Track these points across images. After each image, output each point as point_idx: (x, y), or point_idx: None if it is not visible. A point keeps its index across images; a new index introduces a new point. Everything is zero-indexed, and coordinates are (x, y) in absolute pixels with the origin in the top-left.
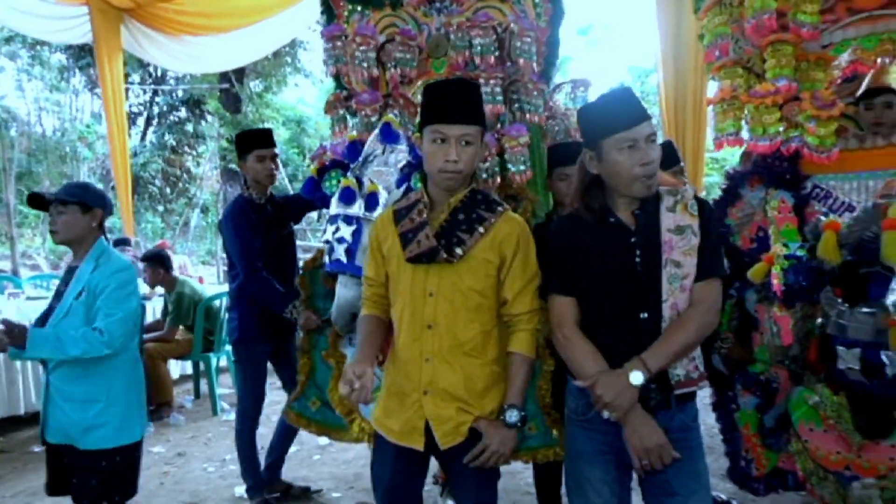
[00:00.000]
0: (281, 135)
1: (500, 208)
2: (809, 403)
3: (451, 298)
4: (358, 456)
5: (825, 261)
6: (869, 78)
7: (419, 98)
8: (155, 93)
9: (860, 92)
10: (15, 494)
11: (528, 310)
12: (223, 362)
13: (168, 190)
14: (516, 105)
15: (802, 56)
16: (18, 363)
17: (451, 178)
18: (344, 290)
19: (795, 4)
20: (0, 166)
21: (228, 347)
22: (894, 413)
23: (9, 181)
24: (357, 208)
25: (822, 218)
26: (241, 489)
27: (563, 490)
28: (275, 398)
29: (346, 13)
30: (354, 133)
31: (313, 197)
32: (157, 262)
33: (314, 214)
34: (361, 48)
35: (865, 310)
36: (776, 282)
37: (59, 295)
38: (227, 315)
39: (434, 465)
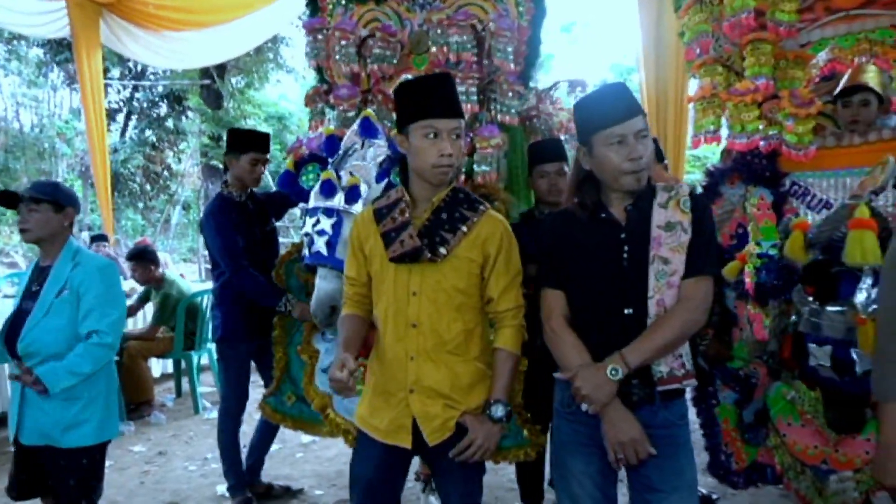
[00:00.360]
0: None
1: (482, 207)
2: (787, 399)
3: (435, 297)
4: (340, 453)
5: (793, 260)
6: (846, 76)
7: None
8: (135, 88)
9: (837, 90)
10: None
11: (514, 306)
12: (205, 360)
13: (148, 187)
14: (493, 105)
15: (781, 54)
16: None
17: (446, 171)
18: (324, 282)
19: (774, 3)
20: None
21: (211, 345)
22: (865, 409)
23: None
24: (337, 201)
25: (793, 217)
26: (222, 488)
27: (546, 485)
28: (258, 396)
29: (330, 6)
30: (332, 127)
31: (290, 190)
32: (147, 260)
33: (297, 212)
34: (341, 43)
35: (836, 308)
36: (748, 280)
37: (31, 295)
38: (210, 313)
39: (415, 462)
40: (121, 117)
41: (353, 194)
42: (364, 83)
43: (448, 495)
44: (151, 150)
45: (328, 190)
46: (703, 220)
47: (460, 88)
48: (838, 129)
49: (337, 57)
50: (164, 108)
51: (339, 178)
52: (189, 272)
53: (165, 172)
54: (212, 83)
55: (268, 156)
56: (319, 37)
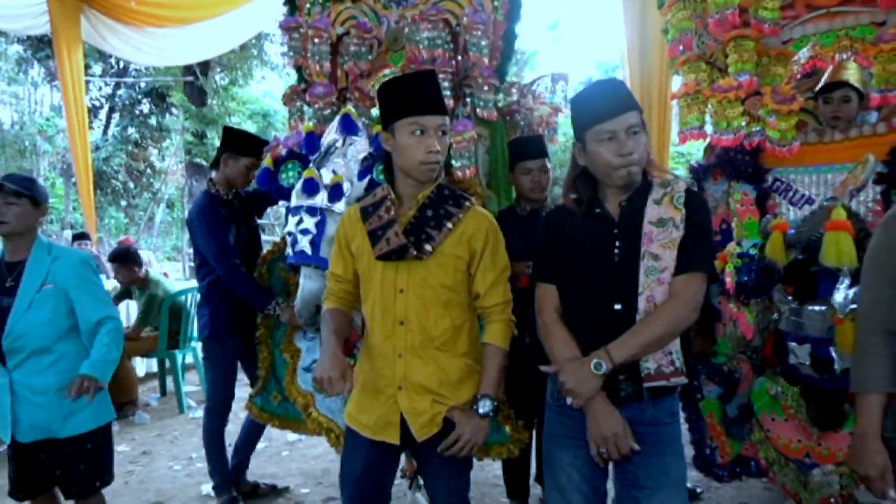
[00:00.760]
0: (247, 128)
1: (466, 203)
2: (771, 394)
3: (422, 294)
4: (326, 451)
5: (773, 261)
6: (827, 73)
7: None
8: (117, 85)
9: (818, 87)
10: None
11: (501, 301)
12: (189, 359)
13: (132, 185)
14: (470, 100)
15: (763, 51)
16: None
17: (433, 168)
18: (308, 281)
19: (757, 0)
20: None
21: (195, 344)
22: (844, 406)
23: None
24: (320, 199)
25: (771, 218)
26: (207, 487)
27: (532, 481)
28: (243, 395)
29: (307, 5)
30: (311, 124)
31: (270, 188)
32: (131, 261)
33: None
34: (315, 41)
35: (815, 307)
36: (729, 279)
37: (7, 291)
38: (197, 311)
39: (401, 459)
40: (103, 114)
41: (335, 192)
42: (341, 81)
43: (436, 490)
44: (134, 148)
45: (311, 188)
46: (696, 217)
47: None
48: (820, 126)
49: (310, 55)
50: (147, 105)
51: (320, 176)
52: (173, 271)
53: (149, 170)
54: (195, 80)
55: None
56: (296, 35)
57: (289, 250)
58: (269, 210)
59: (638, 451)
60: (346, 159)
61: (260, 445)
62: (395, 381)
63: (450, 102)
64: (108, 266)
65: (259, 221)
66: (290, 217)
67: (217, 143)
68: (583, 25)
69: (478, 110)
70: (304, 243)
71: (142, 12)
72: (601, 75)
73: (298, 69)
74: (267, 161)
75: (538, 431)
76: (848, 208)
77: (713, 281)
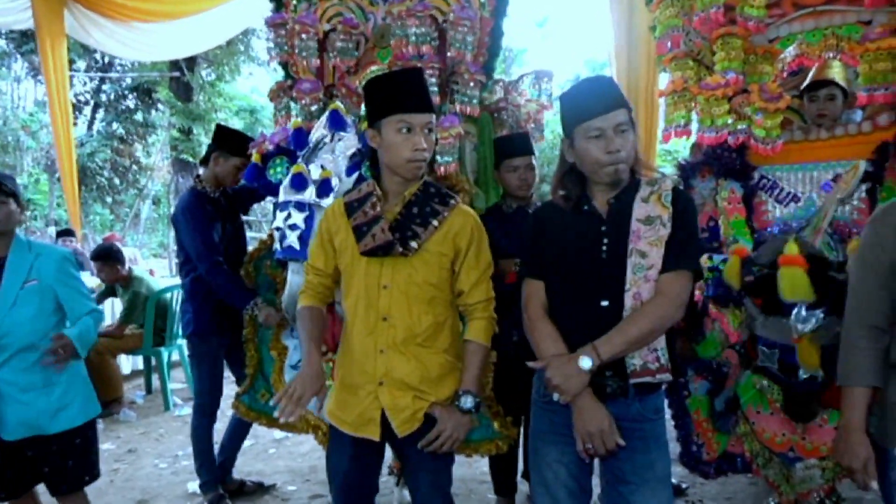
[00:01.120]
0: (234, 124)
1: (452, 201)
2: (757, 388)
3: (406, 291)
4: (313, 448)
5: (731, 283)
6: (812, 71)
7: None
8: (102, 80)
9: (804, 85)
10: None
11: (484, 298)
12: (175, 357)
13: (117, 181)
14: (455, 96)
15: (750, 49)
16: None
17: (420, 166)
18: (296, 277)
19: None
20: None
21: (181, 341)
22: (812, 403)
23: None
24: (309, 195)
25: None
26: (193, 485)
27: (519, 477)
28: (230, 393)
29: (294, 2)
30: (298, 121)
31: (257, 184)
32: (113, 259)
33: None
34: (301, 36)
35: (781, 319)
36: (698, 293)
37: None
38: (181, 308)
39: (388, 456)
40: (88, 110)
41: (324, 188)
42: (328, 77)
43: (417, 485)
44: (120, 144)
45: (299, 184)
46: (683, 215)
47: None
48: (805, 124)
49: (297, 51)
50: (132, 101)
51: (309, 171)
52: (159, 267)
53: (134, 166)
54: (181, 76)
55: None
56: (282, 32)
57: (277, 245)
58: (255, 206)
59: (623, 446)
60: (334, 155)
61: (246, 443)
62: (376, 377)
63: (436, 99)
64: (92, 263)
65: (245, 218)
66: (277, 212)
67: (204, 139)
68: (571, 23)
69: (460, 106)
70: (293, 238)
71: (126, 6)
72: (589, 73)
73: (285, 65)
74: (255, 157)
75: (525, 428)
76: (801, 241)
77: (699, 279)
